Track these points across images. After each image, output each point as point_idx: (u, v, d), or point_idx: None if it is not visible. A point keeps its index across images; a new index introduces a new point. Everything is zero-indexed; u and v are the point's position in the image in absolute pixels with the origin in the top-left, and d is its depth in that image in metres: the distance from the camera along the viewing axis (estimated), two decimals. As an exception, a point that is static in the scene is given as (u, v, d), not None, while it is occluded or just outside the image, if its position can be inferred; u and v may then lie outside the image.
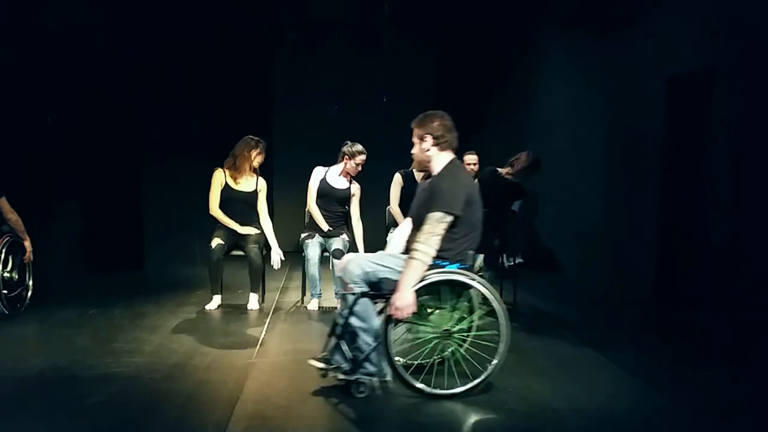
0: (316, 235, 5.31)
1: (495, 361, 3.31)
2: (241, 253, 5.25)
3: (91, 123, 6.90)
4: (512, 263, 6.48)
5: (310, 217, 5.47)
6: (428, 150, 3.39)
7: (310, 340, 4.41)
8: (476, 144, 5.65)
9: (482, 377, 3.31)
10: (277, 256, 5.16)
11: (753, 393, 3.56)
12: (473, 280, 3.29)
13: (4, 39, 5.73)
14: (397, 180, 5.46)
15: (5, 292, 4.86)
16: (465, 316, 3.36)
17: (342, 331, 3.30)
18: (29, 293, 5.17)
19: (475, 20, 8.50)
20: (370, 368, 3.25)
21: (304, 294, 5.53)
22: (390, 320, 3.21)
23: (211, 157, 5.55)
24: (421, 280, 3.19)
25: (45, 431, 2.93)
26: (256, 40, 8.38)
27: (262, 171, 5.44)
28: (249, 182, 5.29)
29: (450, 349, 3.43)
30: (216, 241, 5.11)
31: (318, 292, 5.30)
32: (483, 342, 3.40)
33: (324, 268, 5.31)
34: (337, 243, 5.21)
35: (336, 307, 5.29)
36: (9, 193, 4.88)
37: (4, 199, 4.87)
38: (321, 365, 3.35)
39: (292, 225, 7.33)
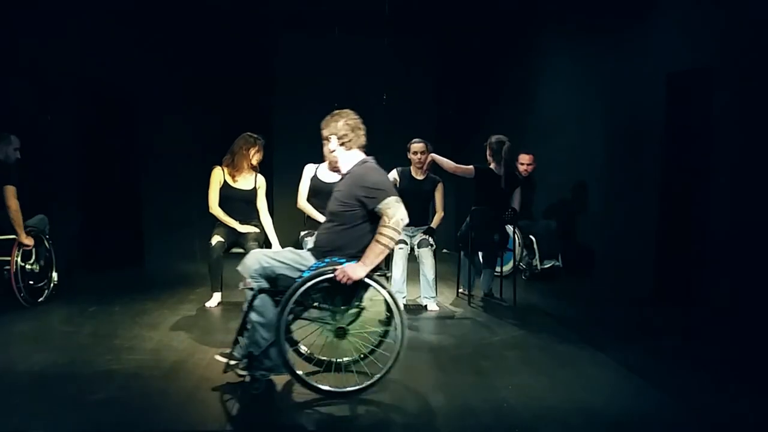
0: (316, 233, 5.30)
1: (389, 363, 3.28)
2: (241, 250, 5.24)
3: (90, 120, 6.89)
4: (546, 266, 6.41)
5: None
6: (334, 150, 3.43)
7: (309, 337, 4.42)
8: (476, 143, 5.65)
9: (376, 378, 3.28)
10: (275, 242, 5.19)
11: (752, 392, 3.57)
12: (373, 280, 3.25)
13: (5, 38, 5.74)
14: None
15: (31, 283, 5.09)
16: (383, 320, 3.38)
17: (241, 326, 3.33)
18: (51, 285, 5.33)
19: (476, 20, 8.50)
20: (267, 363, 3.26)
21: (303, 292, 5.52)
22: (283, 316, 3.18)
23: (211, 154, 5.55)
24: (318, 276, 3.18)
25: (45, 429, 2.93)
26: (256, 38, 8.37)
27: (262, 169, 5.43)
28: (248, 180, 5.29)
29: (357, 355, 3.48)
30: (216, 239, 5.12)
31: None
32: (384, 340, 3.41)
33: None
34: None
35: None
36: (17, 186, 4.95)
37: (13, 189, 4.91)
38: (224, 360, 3.37)
39: (292, 223, 7.31)
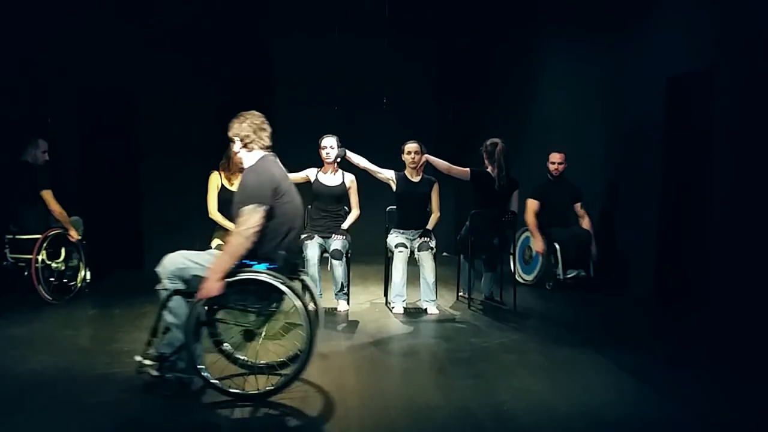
0: (316, 235, 5.32)
1: (296, 365, 3.26)
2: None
3: (90, 122, 6.90)
4: (570, 276, 6.06)
5: (310, 217, 5.49)
6: (238, 152, 3.45)
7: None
8: (477, 144, 5.66)
9: (282, 381, 3.25)
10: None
11: (753, 394, 3.57)
12: (279, 281, 3.23)
13: (5, 42, 5.75)
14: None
15: (65, 281, 5.45)
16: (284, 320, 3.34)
17: (154, 327, 3.35)
18: (80, 285, 5.59)
19: (476, 21, 8.51)
20: (180, 365, 3.28)
21: (303, 295, 5.52)
22: (191, 319, 3.19)
23: (212, 156, 5.56)
24: (228, 277, 3.17)
25: (45, 431, 2.94)
26: (256, 40, 8.38)
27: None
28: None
29: (281, 358, 3.45)
30: (216, 242, 5.11)
31: (318, 293, 5.30)
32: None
33: (323, 268, 5.30)
34: (336, 244, 5.22)
35: (336, 308, 5.31)
36: (54, 190, 5.39)
37: (50, 192, 5.33)
38: (140, 360, 3.37)
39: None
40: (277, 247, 3.29)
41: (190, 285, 3.27)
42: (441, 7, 8.55)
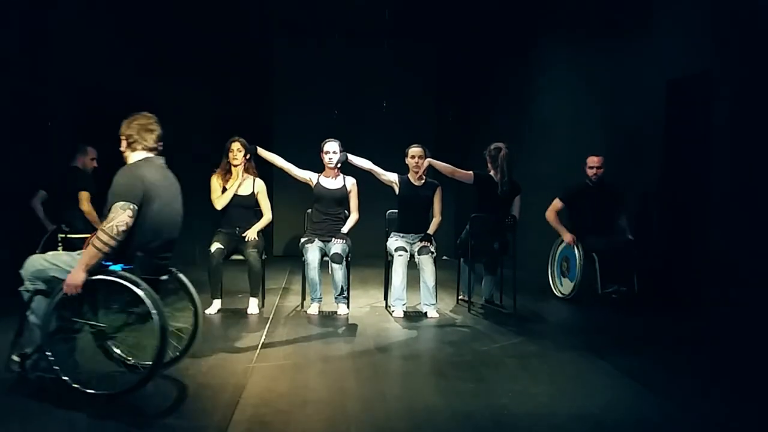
0: (316, 239, 5.32)
1: (149, 363, 3.26)
2: (240, 257, 5.27)
3: (91, 127, 6.90)
4: (609, 290, 5.69)
5: (310, 221, 5.49)
6: (124, 151, 3.47)
7: (310, 344, 4.42)
8: (478, 146, 5.66)
9: (135, 382, 3.25)
10: (253, 233, 5.25)
11: (752, 395, 3.56)
12: (130, 281, 3.23)
13: (5, 41, 5.76)
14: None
15: None
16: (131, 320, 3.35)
17: (20, 327, 3.36)
18: None
19: (476, 24, 8.53)
20: (43, 364, 3.28)
21: (304, 298, 5.52)
22: (46, 319, 3.20)
23: (211, 160, 5.58)
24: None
25: (43, 435, 2.93)
26: (256, 45, 8.40)
27: (262, 174, 5.48)
28: (245, 185, 5.33)
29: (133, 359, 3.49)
30: (215, 246, 5.12)
31: (318, 297, 5.30)
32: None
33: (324, 272, 5.30)
34: (337, 247, 5.22)
35: (336, 312, 5.30)
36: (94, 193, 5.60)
37: (87, 194, 5.62)
38: (13, 358, 3.38)
39: (293, 230, 7.32)
40: (135, 250, 3.30)
41: (50, 285, 3.29)
42: (441, 10, 8.57)
